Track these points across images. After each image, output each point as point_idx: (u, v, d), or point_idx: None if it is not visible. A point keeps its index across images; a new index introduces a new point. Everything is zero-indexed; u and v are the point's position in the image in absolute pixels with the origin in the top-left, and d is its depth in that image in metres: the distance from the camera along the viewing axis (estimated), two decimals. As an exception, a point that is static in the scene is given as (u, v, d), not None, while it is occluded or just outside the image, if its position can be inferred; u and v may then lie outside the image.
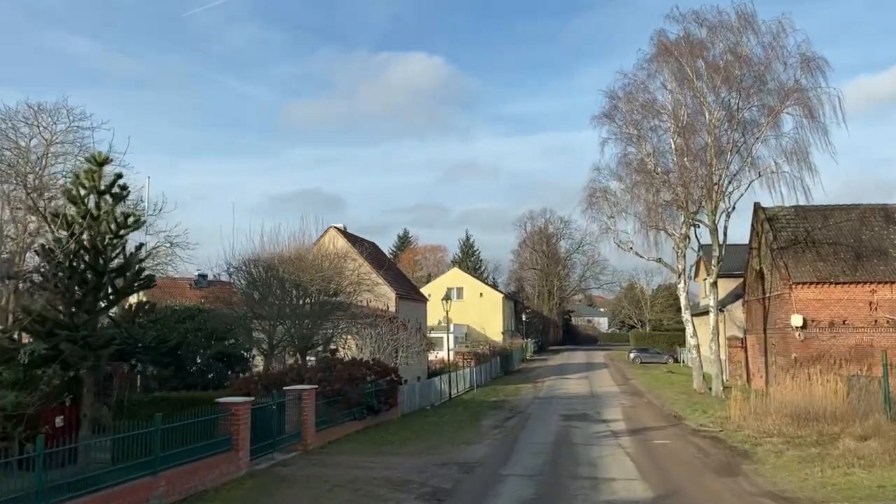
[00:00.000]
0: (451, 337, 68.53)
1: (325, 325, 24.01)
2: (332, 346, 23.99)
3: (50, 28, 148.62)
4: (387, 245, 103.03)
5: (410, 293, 43.51)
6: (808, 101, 30.09)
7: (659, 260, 37.33)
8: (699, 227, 35.70)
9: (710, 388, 35.40)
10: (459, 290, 74.94)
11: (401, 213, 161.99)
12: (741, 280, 49.38)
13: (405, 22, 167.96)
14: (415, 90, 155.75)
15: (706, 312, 50.67)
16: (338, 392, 18.73)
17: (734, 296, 46.15)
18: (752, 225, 37.25)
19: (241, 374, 20.05)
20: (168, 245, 30.89)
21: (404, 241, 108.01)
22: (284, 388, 17.42)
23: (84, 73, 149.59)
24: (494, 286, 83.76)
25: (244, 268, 20.99)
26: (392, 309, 39.32)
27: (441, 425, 22.81)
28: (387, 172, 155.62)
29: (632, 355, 63.76)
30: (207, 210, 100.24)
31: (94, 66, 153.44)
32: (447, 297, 37.39)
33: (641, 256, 37.09)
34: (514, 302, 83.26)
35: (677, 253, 36.65)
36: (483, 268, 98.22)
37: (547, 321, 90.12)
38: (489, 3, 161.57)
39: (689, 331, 37.45)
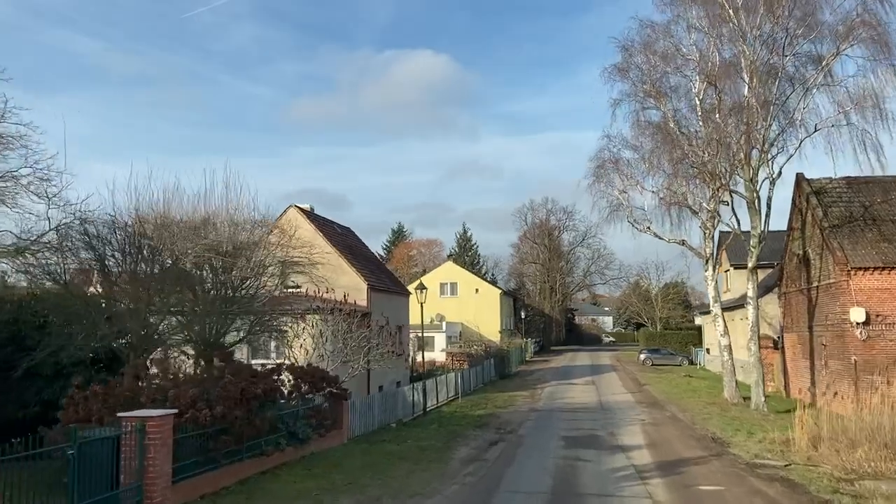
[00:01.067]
0: (443, 336, 62.01)
1: (243, 317, 17.43)
2: (232, 349, 17.29)
3: (52, 26, 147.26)
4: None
5: (387, 285, 36.89)
6: (879, 35, 23.30)
7: (682, 242, 30.61)
8: (730, 202, 29.05)
9: (745, 399, 28.73)
10: (453, 285, 68.42)
11: (405, 212, 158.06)
12: (768, 271, 42.86)
13: (408, 20, 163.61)
14: (419, 88, 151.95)
15: (732, 308, 43.91)
16: (221, 418, 12.12)
17: (763, 288, 39.43)
18: (794, 201, 30.55)
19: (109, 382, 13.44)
20: (79, 223, 24.50)
21: (398, 236, 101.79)
22: (119, 414, 10.82)
23: (85, 72, 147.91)
24: (494, 283, 77.10)
25: (84, 227, 14.38)
26: (363, 303, 32.81)
27: (395, 458, 16.13)
28: (391, 171, 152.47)
29: (642, 356, 57.03)
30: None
31: (96, 64, 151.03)
32: (421, 287, 30.74)
33: (661, 238, 30.42)
34: (514, 299, 76.58)
35: (705, 233, 29.95)
36: (481, 263, 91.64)
37: (549, 320, 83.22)
38: (494, 1, 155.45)
39: (718, 328, 30.66)
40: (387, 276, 39.28)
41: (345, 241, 36.81)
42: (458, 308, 66.60)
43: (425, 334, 62.54)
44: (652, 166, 30.09)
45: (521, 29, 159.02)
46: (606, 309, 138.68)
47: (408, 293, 40.54)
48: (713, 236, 29.82)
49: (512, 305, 73.96)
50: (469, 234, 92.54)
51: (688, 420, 23.94)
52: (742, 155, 26.44)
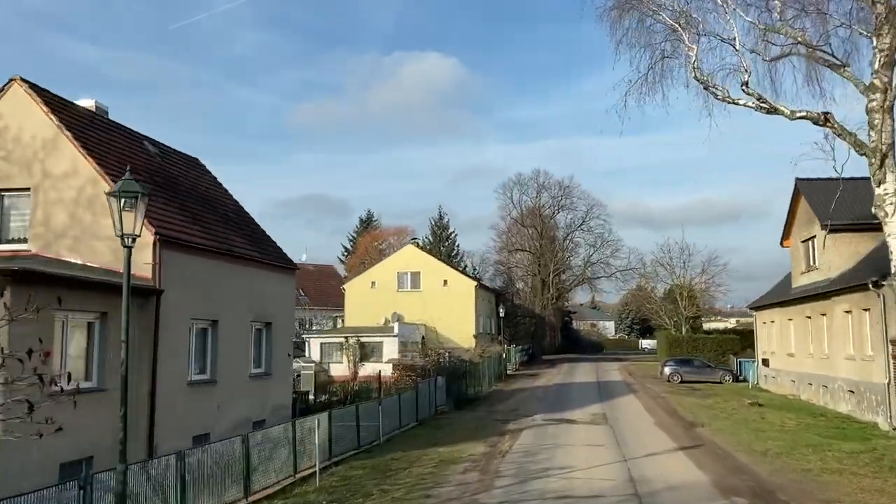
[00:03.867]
0: (394, 342, 44.88)
1: None
2: None
3: (52, 31, 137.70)
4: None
5: (222, 245, 19.30)
6: None
7: (825, 120, 13.17)
8: None
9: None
10: (415, 276, 51.28)
11: (409, 217, 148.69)
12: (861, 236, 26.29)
13: (412, 27, 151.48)
14: (424, 94, 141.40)
15: (821, 295, 26.86)
16: None
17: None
18: None
19: None
20: None
21: (367, 224, 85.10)
22: None
23: (86, 77, 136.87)
24: (477, 279, 59.54)
25: None
26: (144, 272, 15.82)
27: None
28: (395, 177, 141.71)
29: (666, 370, 39.76)
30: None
31: (97, 70, 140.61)
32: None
33: (774, 109, 13.02)
34: (496, 294, 59.36)
35: (882, 101, 12.57)
36: (461, 256, 74.46)
37: (540, 322, 65.58)
38: (498, 7, 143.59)
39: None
40: (248, 239, 21.76)
41: (149, 163, 19.72)
42: (422, 305, 49.47)
43: (372, 339, 45.55)
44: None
45: (524, 35, 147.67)
46: (608, 314, 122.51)
47: (292, 268, 23.33)
48: (891, 106, 12.51)
49: (493, 303, 56.75)
50: (445, 220, 75.29)
51: None
52: None
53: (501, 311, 52.82)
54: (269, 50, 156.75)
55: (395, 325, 44.48)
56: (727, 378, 38.57)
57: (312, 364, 35.45)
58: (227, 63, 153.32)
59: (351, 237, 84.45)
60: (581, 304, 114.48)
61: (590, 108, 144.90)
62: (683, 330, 49.55)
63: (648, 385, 36.96)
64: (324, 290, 70.24)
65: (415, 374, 33.57)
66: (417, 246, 54.19)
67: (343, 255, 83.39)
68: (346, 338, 43.87)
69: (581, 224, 68.43)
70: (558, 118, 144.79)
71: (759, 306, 36.91)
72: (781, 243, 32.08)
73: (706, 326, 61.62)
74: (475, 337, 49.12)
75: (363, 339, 43.81)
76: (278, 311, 21.78)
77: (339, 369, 43.47)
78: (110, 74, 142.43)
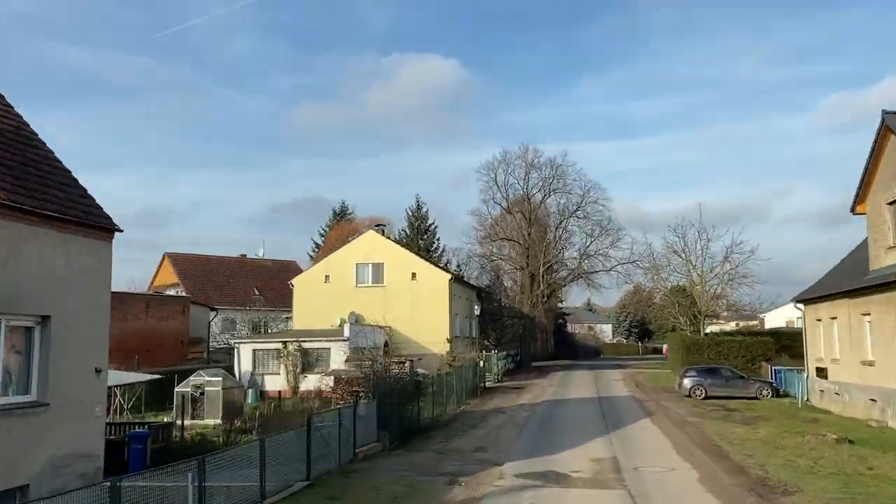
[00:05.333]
0: (342, 347, 35.73)
1: None
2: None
3: (45, 38, 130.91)
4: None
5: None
6: None
7: None
8: None
9: None
10: (377, 268, 42.14)
11: (404, 219, 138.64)
12: None
13: (410, 28, 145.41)
14: (421, 95, 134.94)
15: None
16: None
17: None
18: None
19: None
20: None
21: (340, 217, 76.39)
22: None
23: (78, 84, 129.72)
24: (454, 273, 50.37)
25: None
26: None
27: None
28: (392, 179, 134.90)
29: (686, 382, 30.60)
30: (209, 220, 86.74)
31: (89, 76, 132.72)
32: None
33: None
34: (477, 292, 50.23)
35: None
36: (441, 249, 65.38)
37: (529, 323, 56.08)
38: (497, 9, 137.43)
39: None
40: (14, 179, 12.65)
41: None
42: (384, 302, 40.33)
43: (317, 344, 36.42)
44: None
45: (523, 37, 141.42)
46: (607, 316, 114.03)
47: (108, 229, 14.13)
48: None
49: (473, 300, 47.64)
50: (424, 210, 66.21)
51: None
52: None
53: (477, 308, 43.57)
54: (267, 52, 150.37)
55: (346, 327, 35.36)
56: (765, 392, 29.59)
57: (220, 379, 26.29)
58: (223, 66, 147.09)
59: (322, 231, 75.63)
60: (576, 307, 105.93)
61: (589, 110, 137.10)
62: (702, 331, 40.33)
63: (665, 402, 27.98)
64: (284, 288, 61.45)
65: (355, 391, 24.66)
66: (382, 233, 45.02)
67: (313, 250, 74.44)
68: (283, 343, 34.82)
69: (576, 210, 58.96)
70: (557, 121, 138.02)
71: (809, 299, 27.83)
72: (853, 209, 23.08)
73: (706, 329, 52.77)
74: (449, 341, 40.07)
75: (306, 345, 34.79)
76: (69, 299, 12.69)
77: (277, 382, 34.53)
78: (107, 79, 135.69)
